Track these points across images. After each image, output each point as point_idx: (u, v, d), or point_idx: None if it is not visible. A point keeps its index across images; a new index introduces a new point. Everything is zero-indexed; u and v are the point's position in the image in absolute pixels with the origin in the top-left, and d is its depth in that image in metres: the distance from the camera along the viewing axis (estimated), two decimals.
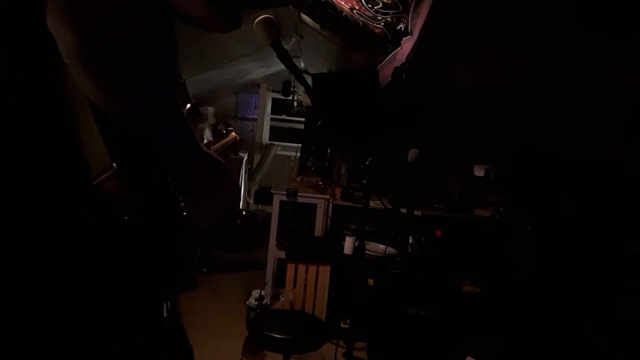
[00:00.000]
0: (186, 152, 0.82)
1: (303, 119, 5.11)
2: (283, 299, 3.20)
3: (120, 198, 0.71)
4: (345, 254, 3.08)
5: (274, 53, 1.22)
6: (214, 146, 1.27)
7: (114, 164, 0.70)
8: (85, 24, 0.61)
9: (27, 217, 0.67)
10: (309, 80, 3.05)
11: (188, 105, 1.10)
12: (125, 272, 0.75)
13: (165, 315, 0.84)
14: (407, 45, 2.16)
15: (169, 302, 0.85)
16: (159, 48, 0.71)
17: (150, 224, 0.79)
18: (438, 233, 3.22)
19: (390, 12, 2.19)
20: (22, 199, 0.67)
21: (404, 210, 3.00)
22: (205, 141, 1.20)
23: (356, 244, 3.02)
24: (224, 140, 1.36)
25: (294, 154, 5.16)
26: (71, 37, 0.61)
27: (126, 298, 0.77)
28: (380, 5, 2.16)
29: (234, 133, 1.44)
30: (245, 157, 5.50)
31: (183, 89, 1.17)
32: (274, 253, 3.40)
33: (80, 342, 0.72)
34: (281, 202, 3.36)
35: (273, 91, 6.32)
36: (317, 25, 3.30)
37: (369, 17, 2.41)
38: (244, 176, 5.51)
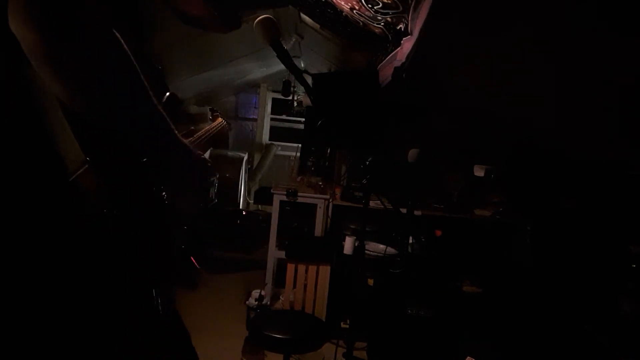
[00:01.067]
0: (161, 143, 0.83)
1: (303, 119, 5.11)
2: (283, 299, 3.20)
3: (97, 192, 0.72)
4: (345, 254, 3.08)
5: (274, 53, 1.22)
6: (199, 132, 1.22)
7: (88, 159, 0.70)
8: (47, 24, 0.62)
9: (7, 217, 0.67)
10: (309, 80, 3.05)
11: (167, 94, 1.09)
12: (109, 264, 0.76)
13: (156, 303, 0.84)
14: (407, 45, 2.16)
15: (159, 291, 0.85)
16: (121, 42, 0.71)
17: (131, 215, 0.80)
18: (438, 233, 3.22)
19: (390, 12, 2.19)
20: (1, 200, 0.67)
21: (404, 210, 3.00)
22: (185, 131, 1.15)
23: (356, 244, 3.02)
24: (210, 126, 1.29)
25: (294, 154, 5.16)
26: (34, 37, 0.62)
27: (113, 289, 0.77)
28: (380, 5, 2.16)
29: (220, 118, 1.38)
30: (245, 157, 5.49)
31: (159, 78, 1.16)
32: (274, 253, 3.40)
33: (69, 335, 0.73)
34: (281, 202, 3.36)
35: (273, 91, 6.32)
36: (317, 25, 3.30)
37: (369, 17, 2.41)
38: (244, 176, 5.51)
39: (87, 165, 0.70)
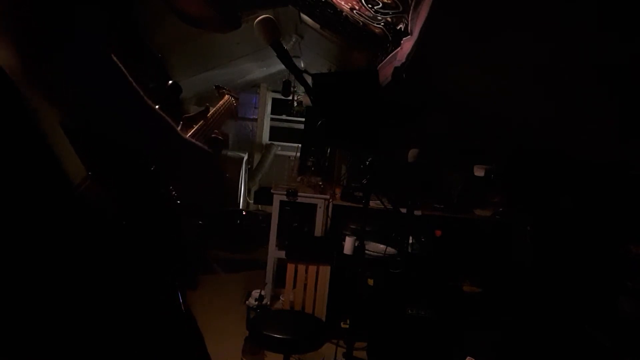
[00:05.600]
0: (164, 145, 0.83)
1: (303, 119, 5.11)
2: (283, 299, 3.20)
3: (103, 205, 0.73)
4: (345, 254, 3.08)
5: (274, 53, 1.22)
6: (209, 113, 1.15)
7: (89, 174, 0.71)
8: (26, 46, 0.63)
9: (17, 235, 0.68)
10: (309, 80, 3.05)
11: (170, 82, 1.08)
12: (125, 272, 0.76)
13: (178, 302, 0.85)
14: (407, 45, 2.16)
15: (180, 291, 0.86)
16: (108, 53, 0.71)
17: (140, 223, 0.80)
18: (438, 233, 3.22)
19: (390, 12, 2.19)
20: (14, 221, 0.67)
21: (404, 210, 3.00)
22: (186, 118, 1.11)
23: (356, 244, 3.02)
24: (217, 107, 1.22)
25: (294, 154, 5.16)
26: (15, 61, 0.63)
27: (133, 293, 0.78)
28: (380, 5, 2.16)
29: (227, 95, 1.30)
30: (245, 157, 5.49)
31: (160, 67, 1.14)
32: (274, 253, 3.40)
33: (92, 336, 0.74)
34: (281, 202, 3.36)
35: (273, 91, 6.31)
36: (317, 25, 3.30)
37: (369, 17, 2.41)
38: (244, 176, 5.50)
39: (89, 181, 0.71)
